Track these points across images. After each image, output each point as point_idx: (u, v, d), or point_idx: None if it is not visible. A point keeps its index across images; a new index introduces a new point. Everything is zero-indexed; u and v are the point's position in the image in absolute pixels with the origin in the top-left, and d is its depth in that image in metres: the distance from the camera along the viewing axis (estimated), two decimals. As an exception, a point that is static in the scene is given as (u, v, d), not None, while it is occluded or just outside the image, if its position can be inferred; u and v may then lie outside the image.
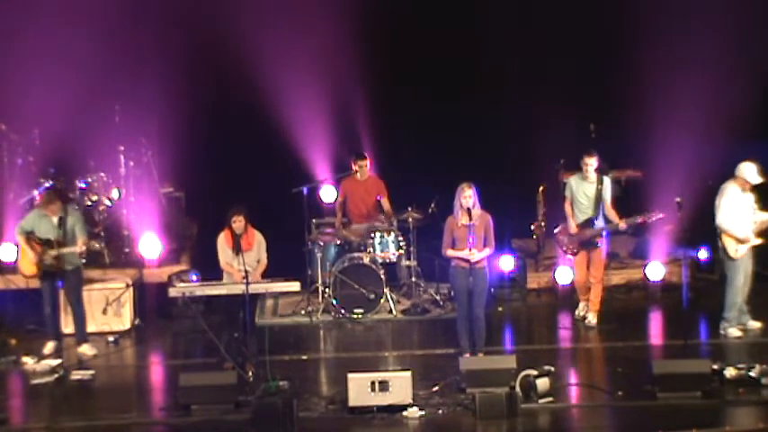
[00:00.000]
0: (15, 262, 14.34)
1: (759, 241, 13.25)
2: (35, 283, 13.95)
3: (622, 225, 14.04)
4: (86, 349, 13.77)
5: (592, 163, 14.08)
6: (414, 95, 17.40)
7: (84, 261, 15.08)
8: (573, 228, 14.21)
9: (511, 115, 17.40)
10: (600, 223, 14.12)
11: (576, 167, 14.30)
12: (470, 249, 12.45)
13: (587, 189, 14.13)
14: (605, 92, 17.21)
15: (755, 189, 13.34)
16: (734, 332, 13.42)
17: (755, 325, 13.55)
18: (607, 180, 14.23)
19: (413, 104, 17.41)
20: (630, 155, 17.28)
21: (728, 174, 13.49)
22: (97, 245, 14.22)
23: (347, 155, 16.38)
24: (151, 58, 17.13)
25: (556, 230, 14.45)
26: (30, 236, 13.53)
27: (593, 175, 14.12)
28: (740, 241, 13.17)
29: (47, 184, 15.97)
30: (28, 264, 13.59)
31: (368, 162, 15.75)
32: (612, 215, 14.09)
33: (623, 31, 17.27)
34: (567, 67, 17.53)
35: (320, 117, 17.62)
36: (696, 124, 16.53)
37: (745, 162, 13.18)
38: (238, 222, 12.86)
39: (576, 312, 14.56)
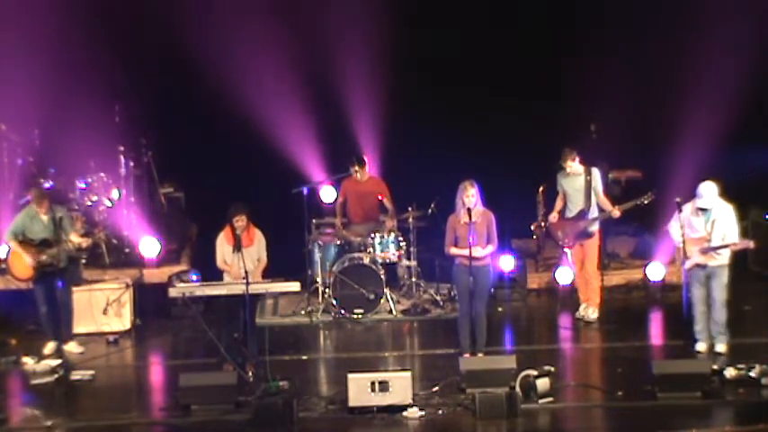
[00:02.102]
0: (5, 266, 14.24)
1: (705, 261, 12.63)
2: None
3: (616, 213, 14.09)
4: (73, 347, 13.76)
5: (569, 164, 14.23)
6: (413, 95, 17.38)
7: (84, 260, 15.15)
8: (552, 217, 14.37)
9: (511, 115, 17.40)
10: (592, 214, 14.16)
11: (581, 162, 14.36)
12: (470, 248, 12.45)
13: (575, 182, 14.24)
14: (606, 92, 17.20)
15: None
16: (698, 347, 12.88)
17: (721, 349, 12.78)
18: (596, 171, 14.28)
19: (412, 104, 17.40)
20: (630, 155, 17.27)
21: (728, 175, 13.47)
22: (102, 234, 14.23)
23: (343, 149, 16.39)
24: (151, 58, 17.14)
25: (550, 225, 14.51)
26: (23, 238, 13.51)
27: (579, 168, 14.20)
28: (679, 251, 12.84)
29: (47, 185, 15.98)
30: (23, 267, 13.53)
31: (366, 167, 15.75)
32: (606, 204, 14.15)
33: (623, 30, 17.28)
34: (567, 66, 17.53)
35: (321, 117, 17.62)
36: (697, 124, 16.53)
37: (704, 181, 12.65)
38: (241, 222, 12.84)
39: (577, 313, 14.56)
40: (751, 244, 12.80)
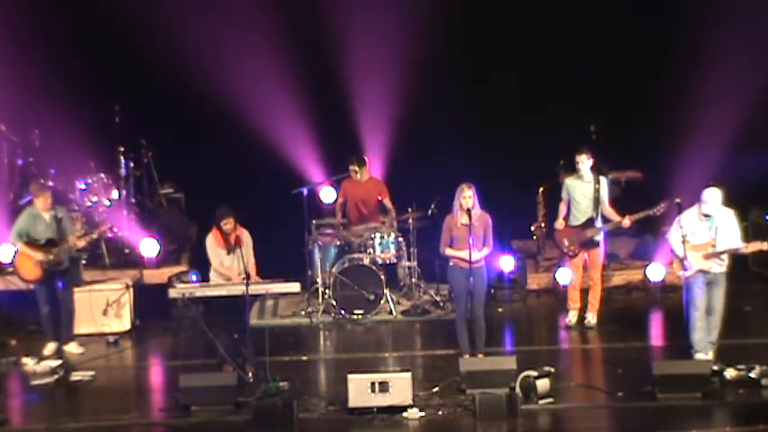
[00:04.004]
0: (12, 267, 14.24)
1: (709, 267, 12.50)
2: (34, 284, 13.93)
3: (626, 222, 14.03)
4: (73, 348, 13.76)
5: (583, 160, 14.08)
6: (413, 95, 17.38)
7: (85, 261, 15.14)
8: (558, 224, 14.25)
9: (511, 115, 17.40)
10: (600, 223, 14.13)
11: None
12: (470, 250, 12.44)
13: (585, 189, 14.13)
14: (605, 92, 17.21)
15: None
16: (698, 357, 12.52)
17: (710, 356, 12.45)
18: (604, 180, 14.23)
19: (412, 104, 17.39)
20: (631, 155, 17.27)
21: (728, 174, 13.45)
22: (106, 228, 14.16)
23: (344, 149, 16.39)
24: (151, 58, 17.13)
25: (555, 232, 14.40)
26: (28, 239, 13.50)
27: (589, 175, 14.12)
28: (681, 261, 12.58)
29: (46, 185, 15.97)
30: (30, 268, 13.51)
31: (366, 167, 15.74)
32: (612, 214, 14.10)
33: (624, 30, 17.28)
34: (568, 66, 17.53)
35: (322, 117, 17.61)
36: (698, 125, 16.52)
37: (709, 187, 12.52)
38: (229, 224, 12.82)
39: (567, 320, 14.46)
40: (765, 245, 12.60)
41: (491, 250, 12.81)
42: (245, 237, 13.01)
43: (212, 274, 13.04)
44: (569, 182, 14.24)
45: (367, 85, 17.57)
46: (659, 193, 14.47)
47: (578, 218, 14.17)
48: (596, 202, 14.08)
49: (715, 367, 11.97)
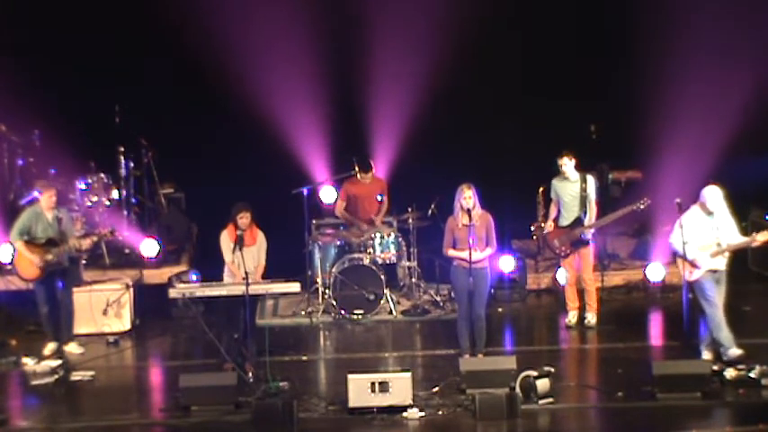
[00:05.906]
0: (12, 266, 14.25)
1: (716, 266, 12.47)
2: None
3: (607, 221, 14.06)
4: (73, 348, 13.76)
5: (565, 162, 14.11)
6: (413, 95, 17.38)
7: (85, 261, 15.14)
8: (549, 226, 14.29)
9: (512, 115, 17.40)
10: (588, 221, 14.14)
11: (577, 169, 14.28)
12: (470, 250, 12.43)
13: (571, 189, 14.15)
14: (605, 92, 17.20)
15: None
16: (731, 353, 12.44)
17: (736, 353, 12.42)
18: (591, 179, 14.24)
19: (412, 104, 17.39)
20: (631, 156, 17.28)
21: (727, 176, 13.46)
22: (107, 231, 14.14)
23: (346, 149, 16.37)
24: (152, 58, 17.14)
25: (546, 234, 14.40)
26: (29, 238, 13.49)
27: (574, 175, 14.14)
28: (691, 264, 12.54)
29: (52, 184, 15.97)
30: (29, 267, 13.51)
31: (371, 172, 15.70)
32: (595, 214, 14.12)
33: (625, 30, 17.28)
34: (567, 66, 17.53)
35: (321, 117, 17.61)
36: (698, 126, 16.53)
37: (709, 185, 12.57)
38: (245, 219, 12.79)
39: (567, 320, 14.45)
40: None
41: (494, 250, 12.81)
42: (260, 238, 12.99)
43: (225, 271, 13.00)
44: (556, 182, 14.27)
45: (370, 82, 17.56)
46: (659, 192, 14.47)
47: (567, 218, 14.21)
48: (583, 201, 14.10)
49: (715, 367, 11.99)
